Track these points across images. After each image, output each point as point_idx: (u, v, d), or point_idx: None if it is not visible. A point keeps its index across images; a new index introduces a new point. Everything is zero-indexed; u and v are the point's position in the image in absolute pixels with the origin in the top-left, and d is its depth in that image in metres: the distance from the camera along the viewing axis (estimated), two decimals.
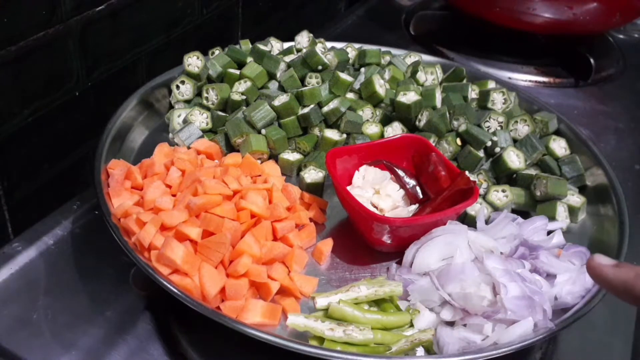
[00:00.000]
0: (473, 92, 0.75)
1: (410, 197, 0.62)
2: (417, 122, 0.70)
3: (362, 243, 0.59)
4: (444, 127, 0.69)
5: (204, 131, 0.69)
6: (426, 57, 0.82)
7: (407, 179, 0.62)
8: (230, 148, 0.68)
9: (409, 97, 0.69)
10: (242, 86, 0.71)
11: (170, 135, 0.70)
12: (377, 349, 0.48)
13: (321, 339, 0.48)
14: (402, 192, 0.62)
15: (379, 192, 0.61)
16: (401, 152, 0.64)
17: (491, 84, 0.78)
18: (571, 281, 0.54)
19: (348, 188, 0.60)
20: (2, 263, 0.58)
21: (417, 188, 0.62)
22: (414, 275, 0.54)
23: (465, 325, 0.50)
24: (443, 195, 0.59)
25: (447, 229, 0.56)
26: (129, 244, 0.52)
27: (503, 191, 0.64)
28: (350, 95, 0.73)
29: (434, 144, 0.67)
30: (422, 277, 0.54)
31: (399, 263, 0.57)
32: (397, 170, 0.63)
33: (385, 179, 0.62)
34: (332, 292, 0.52)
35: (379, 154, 0.63)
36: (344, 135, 0.68)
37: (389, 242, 0.57)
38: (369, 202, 0.60)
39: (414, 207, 0.61)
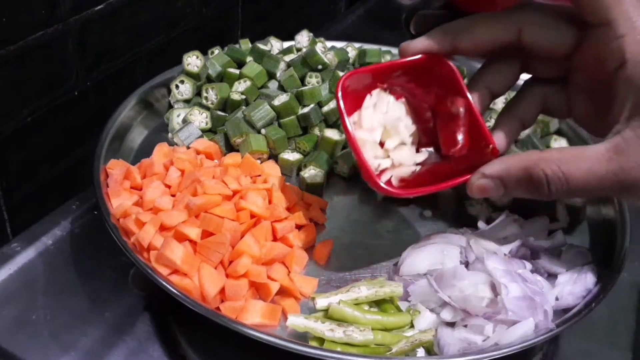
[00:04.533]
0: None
1: (424, 135, 0.54)
2: None
3: (362, 243, 0.59)
4: None
5: (204, 131, 0.69)
6: None
7: (427, 113, 0.54)
8: (230, 148, 0.68)
9: None
10: (241, 86, 0.71)
11: (170, 135, 0.69)
12: (377, 350, 0.48)
13: (321, 340, 0.48)
14: (413, 128, 0.55)
15: (389, 131, 0.54)
16: (427, 78, 0.53)
17: None
18: (572, 281, 0.54)
19: (355, 122, 0.53)
20: (1, 263, 0.58)
21: (435, 126, 0.54)
22: (414, 276, 0.54)
23: (465, 326, 0.50)
24: (461, 165, 0.52)
25: (445, 237, 0.56)
26: (128, 244, 0.52)
27: None
28: None
29: None
30: (422, 277, 0.54)
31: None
32: (414, 101, 0.54)
33: (398, 112, 0.54)
34: (332, 292, 0.52)
35: (401, 76, 0.54)
36: (344, 135, 0.68)
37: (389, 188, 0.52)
38: (376, 144, 0.54)
39: (422, 156, 0.54)
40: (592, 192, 0.47)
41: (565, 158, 0.46)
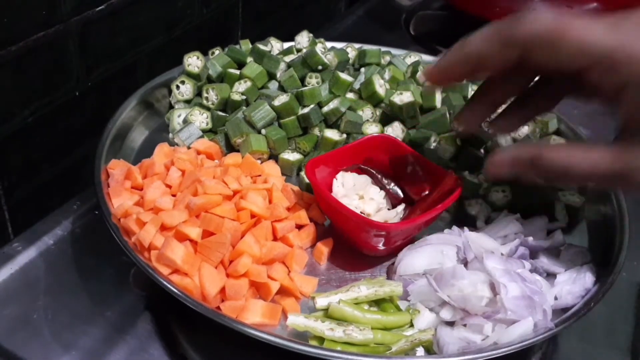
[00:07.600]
0: (473, 92, 0.75)
1: (392, 198, 0.61)
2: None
3: None
4: (444, 127, 0.69)
5: (204, 131, 0.69)
6: (426, 57, 0.82)
7: (385, 180, 0.61)
8: (230, 148, 0.68)
9: (402, 97, 0.69)
10: (242, 86, 0.71)
11: (171, 135, 0.70)
12: (377, 349, 0.48)
13: (321, 339, 0.48)
14: (383, 193, 0.61)
15: (362, 197, 0.60)
16: (377, 153, 0.62)
17: None
18: (571, 281, 0.54)
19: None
20: (2, 263, 0.58)
21: (396, 188, 0.61)
22: (413, 276, 0.54)
23: (465, 325, 0.50)
24: (432, 197, 0.58)
25: (442, 237, 0.56)
26: (129, 244, 0.52)
27: (503, 191, 0.64)
28: (350, 95, 0.73)
29: (434, 144, 0.67)
30: (421, 277, 0.54)
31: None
32: (373, 172, 0.62)
33: (366, 183, 0.61)
34: (332, 292, 0.52)
35: (354, 157, 0.62)
36: (344, 135, 0.68)
37: (382, 247, 0.57)
38: (355, 209, 0.59)
39: (400, 208, 0.60)
40: (595, 178, 0.48)
41: (572, 145, 0.49)
